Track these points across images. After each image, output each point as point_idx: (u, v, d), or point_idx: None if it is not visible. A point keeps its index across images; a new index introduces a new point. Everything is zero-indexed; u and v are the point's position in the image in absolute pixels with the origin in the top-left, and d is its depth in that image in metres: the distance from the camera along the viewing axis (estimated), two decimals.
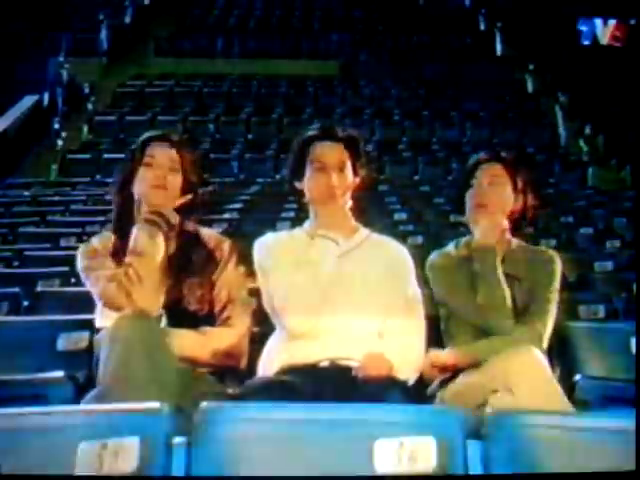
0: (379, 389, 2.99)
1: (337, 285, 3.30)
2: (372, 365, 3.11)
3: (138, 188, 3.32)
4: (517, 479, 2.32)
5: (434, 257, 3.65)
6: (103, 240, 3.39)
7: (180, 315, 3.23)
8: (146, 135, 3.43)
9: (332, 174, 3.35)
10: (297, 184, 3.46)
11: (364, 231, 3.51)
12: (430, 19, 22.16)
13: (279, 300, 3.31)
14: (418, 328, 3.37)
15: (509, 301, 3.37)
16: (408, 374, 3.25)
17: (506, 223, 3.52)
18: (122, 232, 3.33)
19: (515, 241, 3.60)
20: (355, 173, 3.43)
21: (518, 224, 3.59)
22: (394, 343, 3.25)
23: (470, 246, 3.54)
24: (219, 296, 3.30)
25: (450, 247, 3.67)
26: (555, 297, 3.47)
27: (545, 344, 3.36)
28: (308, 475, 2.30)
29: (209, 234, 3.46)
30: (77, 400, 3.06)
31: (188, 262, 3.32)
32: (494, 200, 3.51)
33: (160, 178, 3.30)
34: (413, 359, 3.31)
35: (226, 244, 3.42)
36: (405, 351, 3.26)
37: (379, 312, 3.31)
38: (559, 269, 3.52)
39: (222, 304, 3.30)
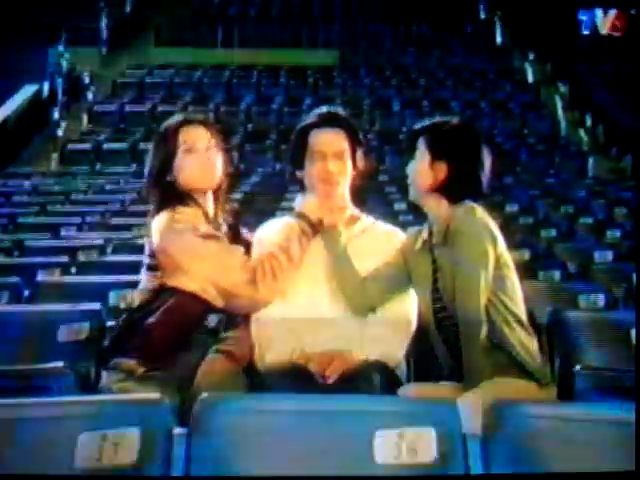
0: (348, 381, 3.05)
1: (332, 274, 3.34)
2: (327, 366, 3.12)
3: (182, 175, 3.33)
4: (517, 479, 2.32)
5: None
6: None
7: None
8: (175, 120, 3.40)
9: (330, 161, 3.35)
10: (298, 173, 3.46)
11: (366, 220, 3.50)
12: (430, 8, 22.13)
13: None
14: (407, 319, 3.38)
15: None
16: (392, 361, 3.27)
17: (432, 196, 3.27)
18: None
19: (460, 212, 3.19)
20: (354, 162, 3.42)
21: (453, 191, 3.22)
22: (382, 331, 3.28)
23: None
24: None
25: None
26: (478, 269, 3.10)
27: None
28: (307, 467, 2.30)
29: None
30: (77, 391, 3.07)
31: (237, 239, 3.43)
32: (414, 176, 3.29)
33: (205, 162, 3.34)
34: (397, 348, 3.32)
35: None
36: (393, 340, 3.30)
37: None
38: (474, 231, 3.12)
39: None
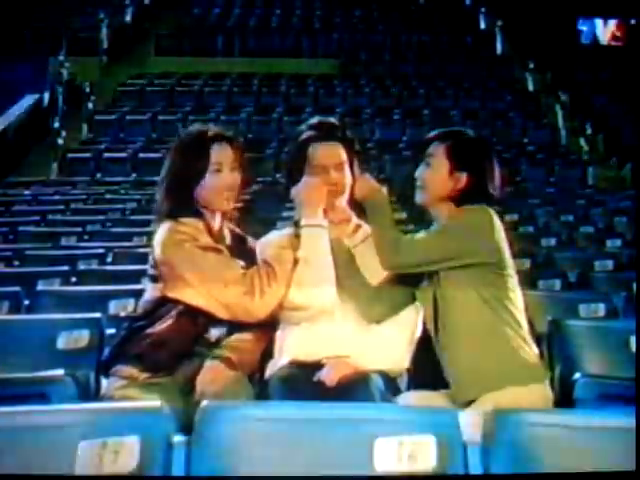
0: (349, 388, 3.08)
1: (337, 287, 3.36)
2: (336, 370, 3.16)
3: (205, 193, 3.35)
4: (517, 479, 2.32)
5: None
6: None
7: None
8: (206, 134, 3.41)
9: (332, 174, 3.39)
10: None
11: (366, 228, 3.52)
12: (430, 18, 22.16)
13: None
14: (410, 325, 3.39)
15: None
16: (393, 367, 3.30)
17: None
18: None
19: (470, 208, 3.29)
20: (352, 172, 3.46)
21: (469, 200, 3.29)
22: (383, 338, 3.31)
23: None
24: None
25: None
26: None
27: None
28: (308, 474, 2.30)
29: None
30: (77, 399, 3.07)
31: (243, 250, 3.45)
32: (429, 183, 3.33)
33: (229, 186, 3.39)
34: (401, 355, 3.35)
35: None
36: (393, 347, 3.32)
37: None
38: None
39: None
